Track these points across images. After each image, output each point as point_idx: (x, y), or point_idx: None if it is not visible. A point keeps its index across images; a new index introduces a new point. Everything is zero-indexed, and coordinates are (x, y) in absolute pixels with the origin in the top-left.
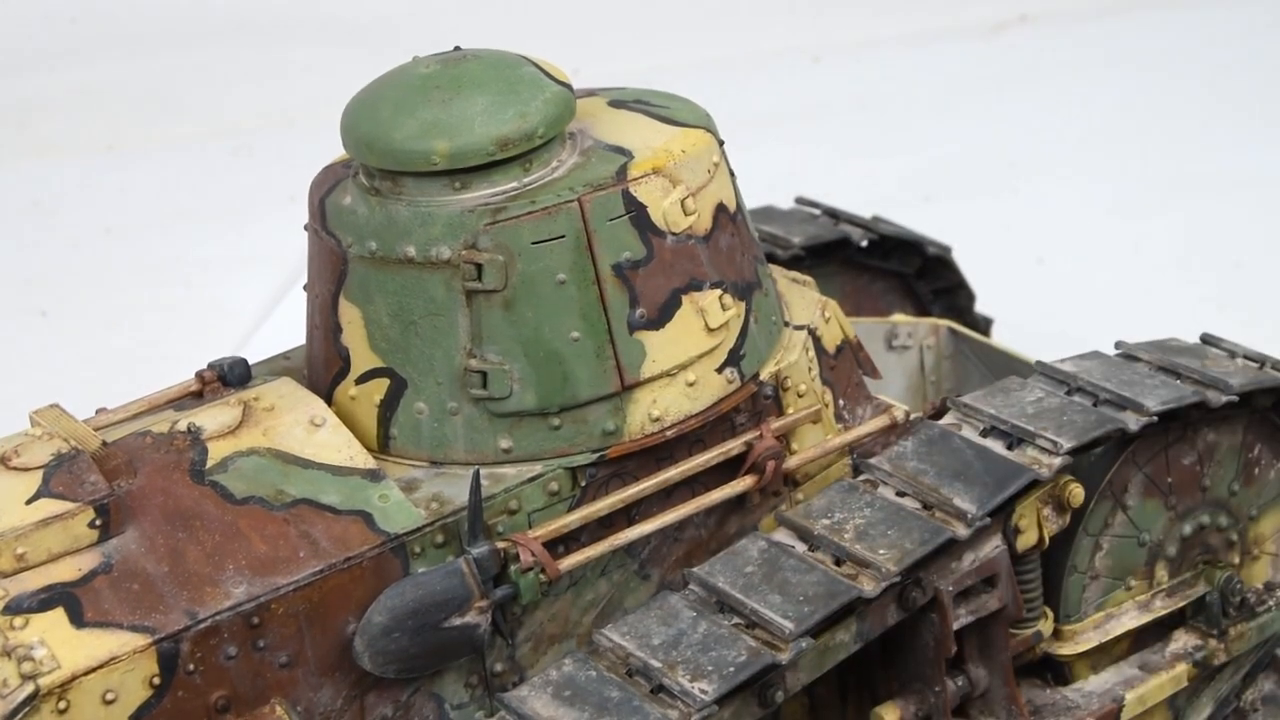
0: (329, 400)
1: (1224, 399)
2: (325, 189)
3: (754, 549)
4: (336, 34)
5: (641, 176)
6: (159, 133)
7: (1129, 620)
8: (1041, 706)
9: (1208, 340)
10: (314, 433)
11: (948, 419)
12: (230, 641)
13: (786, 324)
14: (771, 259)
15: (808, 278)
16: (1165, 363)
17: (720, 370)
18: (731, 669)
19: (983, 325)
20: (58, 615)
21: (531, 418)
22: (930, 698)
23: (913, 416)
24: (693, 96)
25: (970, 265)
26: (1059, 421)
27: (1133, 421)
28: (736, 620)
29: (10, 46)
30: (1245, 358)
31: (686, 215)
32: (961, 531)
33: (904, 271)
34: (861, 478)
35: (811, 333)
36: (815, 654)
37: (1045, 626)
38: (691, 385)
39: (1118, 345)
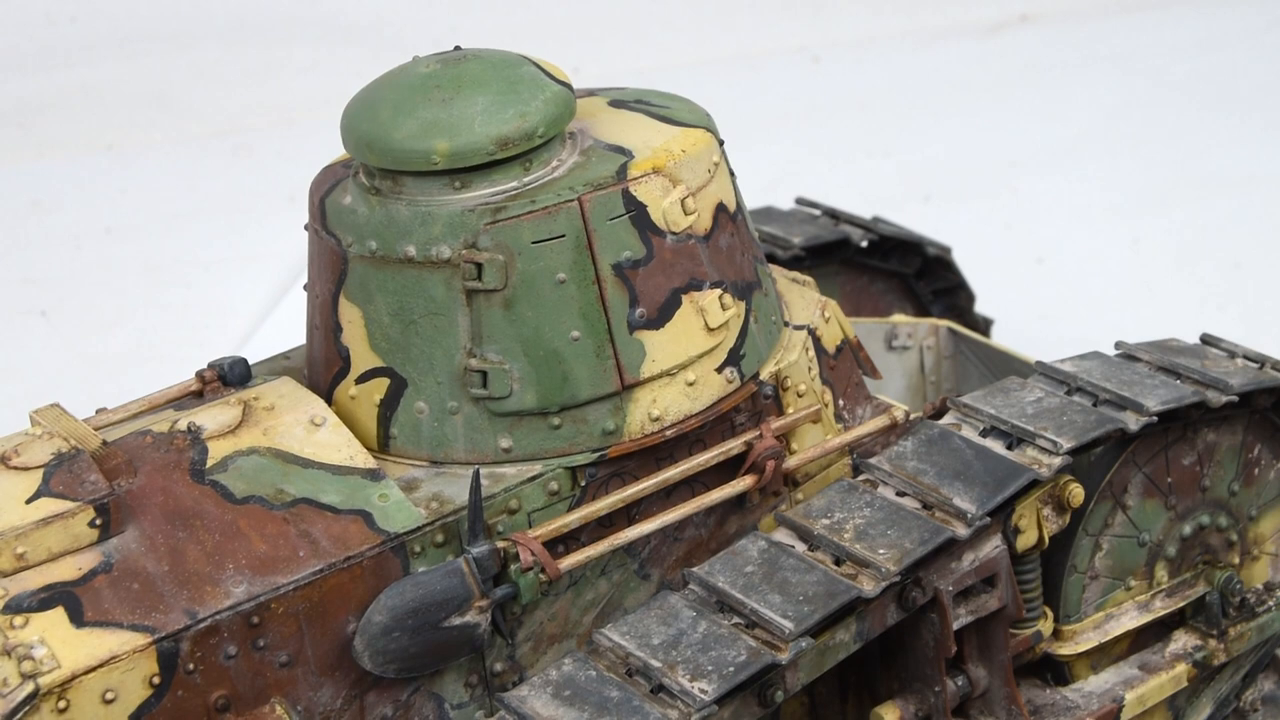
0: (329, 400)
1: (1224, 399)
2: (325, 189)
3: (754, 549)
4: (336, 34)
5: (641, 176)
6: (159, 133)
7: (1129, 620)
8: (1041, 706)
9: (1208, 340)
10: (314, 432)
11: (948, 419)
12: (230, 641)
13: (786, 324)
14: (771, 259)
15: (808, 278)
16: (1165, 363)
17: (720, 370)
18: (731, 669)
19: (983, 325)
20: (58, 614)
21: (531, 417)
22: (930, 698)
23: (913, 416)
24: (693, 96)
25: (970, 265)
26: (1059, 421)
27: (1132, 421)
28: (736, 620)
29: (10, 46)
30: (1245, 358)
31: (686, 215)
32: (961, 531)
33: (904, 272)
34: (861, 477)
35: (811, 333)
36: (815, 654)
37: (1045, 626)
38: (691, 385)
39: (1118, 345)
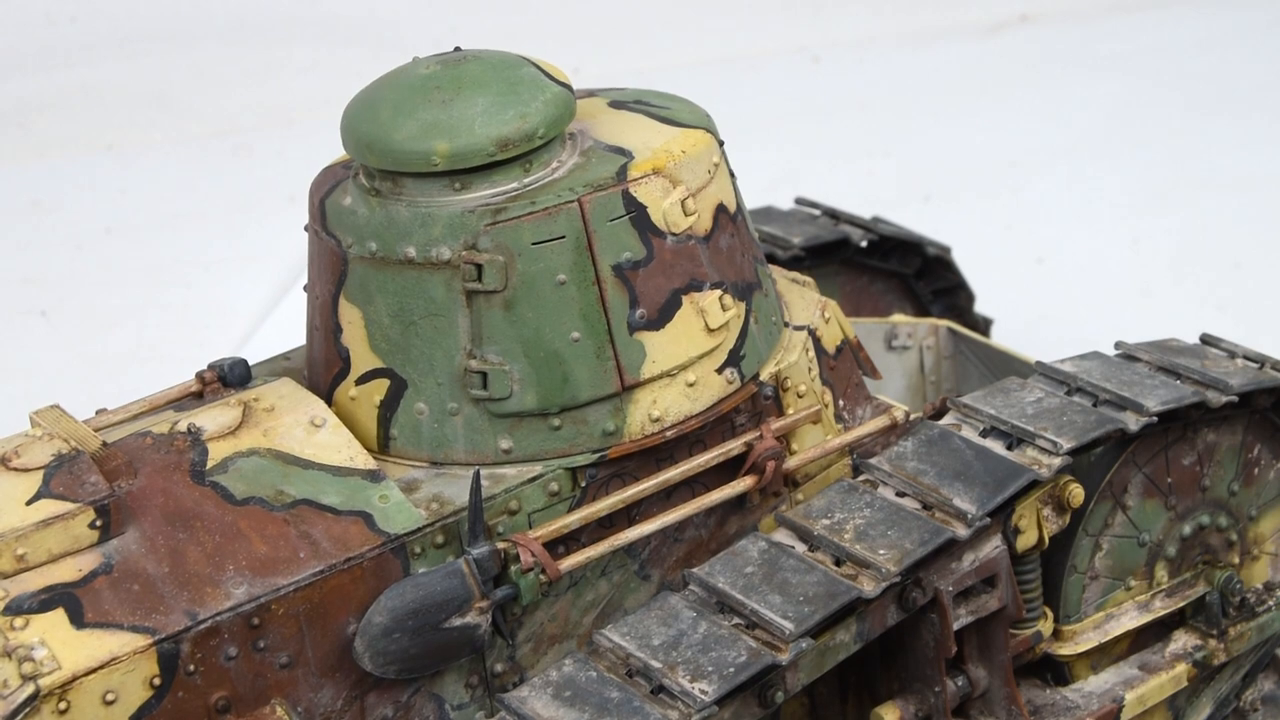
0: (329, 401)
1: (1224, 399)
2: (325, 190)
3: (754, 549)
4: (336, 34)
5: (642, 177)
6: (159, 133)
7: (1129, 620)
8: (1041, 706)
9: (1207, 340)
10: (314, 433)
11: (948, 419)
12: (230, 642)
13: (786, 324)
14: (771, 259)
15: (808, 278)
16: (1165, 363)
17: (720, 371)
18: (731, 669)
19: (983, 325)
20: (58, 616)
21: (532, 418)
22: (930, 698)
23: (913, 416)
24: (693, 96)
25: (970, 265)
26: (1059, 422)
27: (1132, 422)
28: (736, 621)
29: (10, 46)
30: (1245, 358)
31: (686, 216)
32: (961, 532)
33: (904, 272)
34: (861, 478)
35: (811, 333)
36: (815, 654)
37: (1045, 626)
38: (691, 386)
39: (1118, 345)
